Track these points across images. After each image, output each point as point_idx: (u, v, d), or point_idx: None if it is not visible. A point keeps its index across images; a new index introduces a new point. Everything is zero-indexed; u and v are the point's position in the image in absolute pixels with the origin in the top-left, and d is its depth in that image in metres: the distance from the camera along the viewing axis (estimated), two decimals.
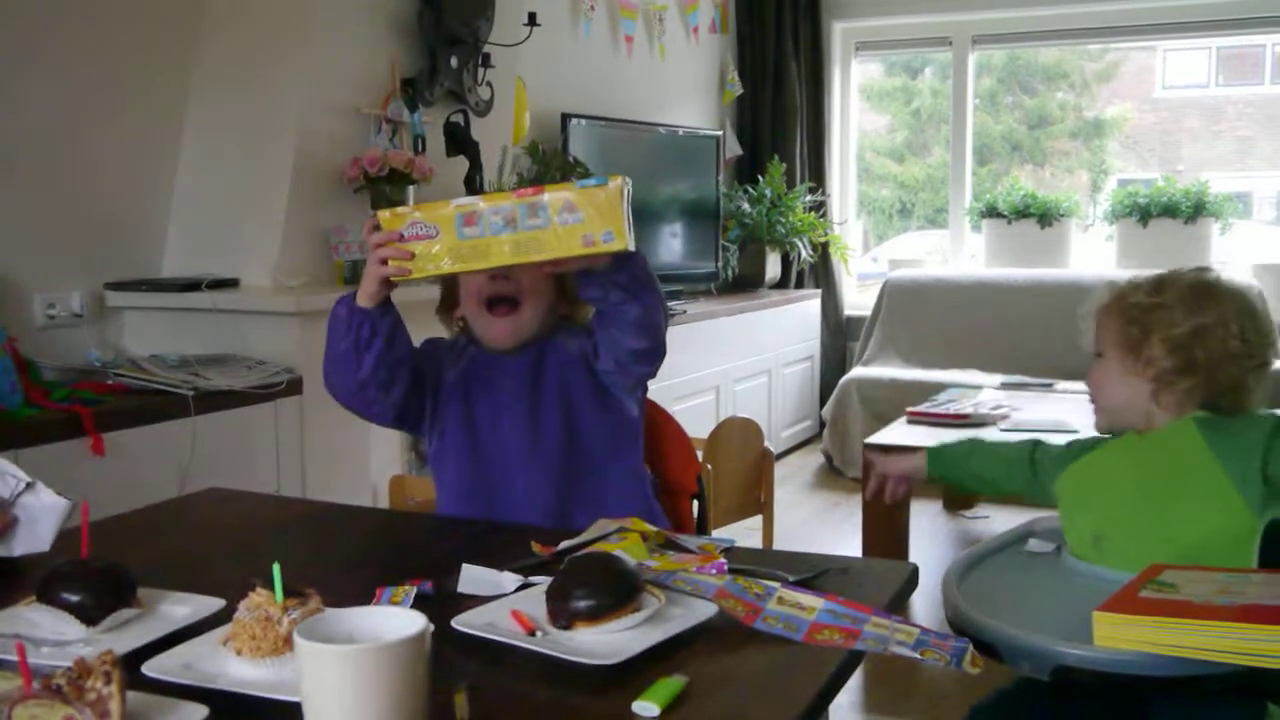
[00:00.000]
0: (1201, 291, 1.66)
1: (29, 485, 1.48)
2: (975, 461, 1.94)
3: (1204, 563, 1.49)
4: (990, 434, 3.77)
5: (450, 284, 1.85)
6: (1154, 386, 1.65)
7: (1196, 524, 1.57)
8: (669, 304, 1.81)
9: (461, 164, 3.61)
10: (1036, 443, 1.89)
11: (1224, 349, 1.62)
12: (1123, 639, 1.29)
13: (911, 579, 1.43)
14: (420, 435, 1.86)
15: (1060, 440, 1.87)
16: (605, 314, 1.68)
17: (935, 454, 1.96)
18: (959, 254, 6.22)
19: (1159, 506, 1.61)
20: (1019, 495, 1.88)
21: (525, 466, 1.76)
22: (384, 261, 1.54)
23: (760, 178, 5.94)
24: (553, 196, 1.48)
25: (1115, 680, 1.34)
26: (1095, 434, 1.80)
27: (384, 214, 1.55)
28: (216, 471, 2.55)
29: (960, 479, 2.00)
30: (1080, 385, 4.92)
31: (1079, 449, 1.80)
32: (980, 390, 4.42)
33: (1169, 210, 5.63)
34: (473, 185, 3.62)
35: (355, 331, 1.65)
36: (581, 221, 1.48)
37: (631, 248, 1.50)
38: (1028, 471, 1.86)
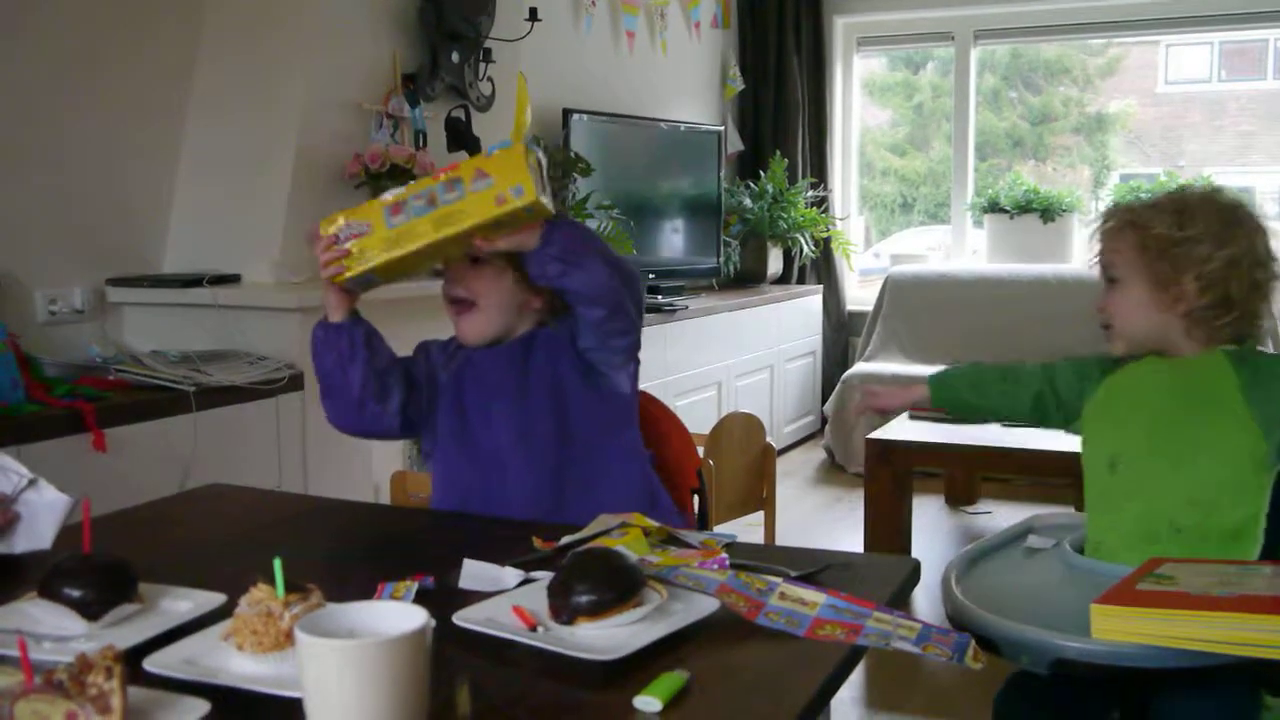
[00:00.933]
0: (1229, 218, 1.62)
1: (31, 482, 1.47)
2: (982, 388, 1.85)
3: (1210, 501, 1.49)
4: (993, 431, 3.77)
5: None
6: (1186, 322, 1.62)
7: (1212, 460, 1.57)
8: (640, 273, 1.79)
9: (462, 159, 3.60)
10: (1046, 365, 1.82)
11: (1252, 279, 1.60)
12: (1121, 631, 1.29)
13: (913, 574, 1.43)
14: (420, 433, 1.86)
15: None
16: (566, 294, 1.69)
17: (939, 383, 1.87)
18: (961, 249, 6.21)
19: (1179, 436, 1.60)
20: (1027, 419, 1.82)
21: (516, 452, 1.76)
22: (326, 267, 1.61)
23: (762, 173, 5.94)
24: (466, 167, 1.55)
25: (1114, 673, 1.34)
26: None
27: (322, 221, 1.63)
28: (218, 467, 2.55)
29: (966, 407, 1.88)
30: None
31: (1101, 368, 1.75)
32: None
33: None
34: None
35: (335, 349, 1.70)
36: (492, 185, 1.54)
37: (543, 202, 1.54)
38: (1045, 393, 1.78)
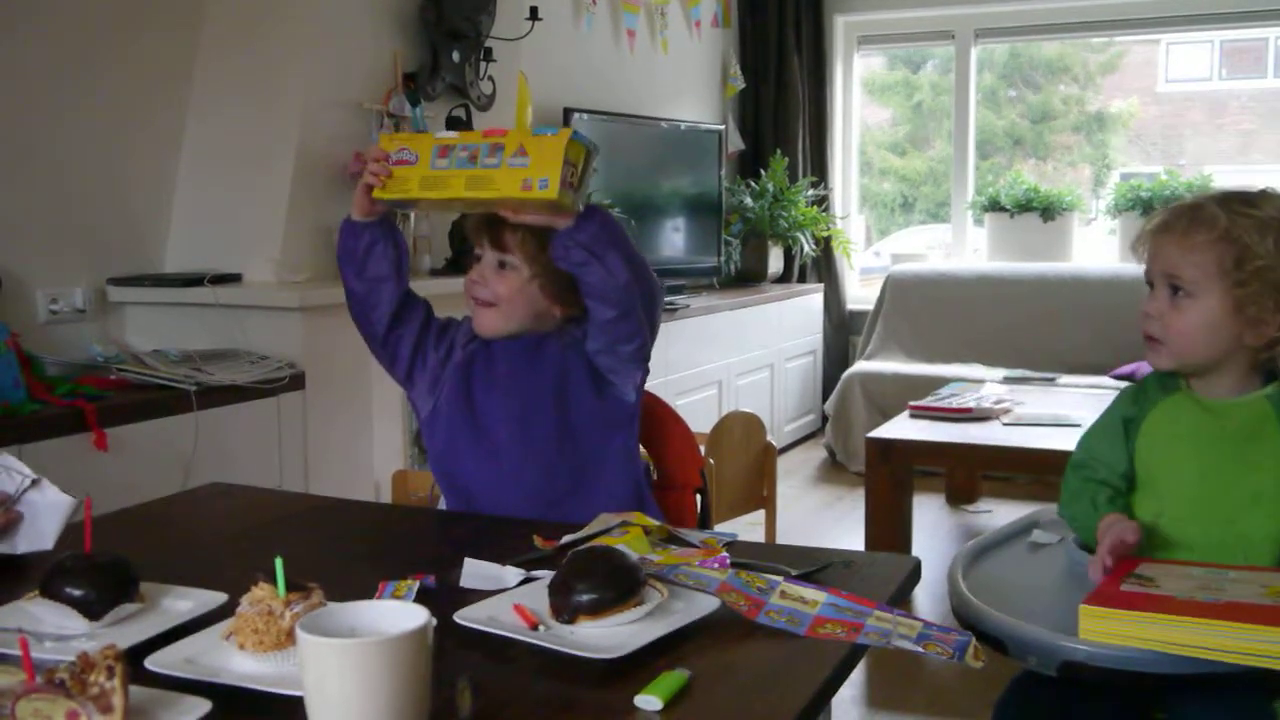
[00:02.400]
0: None
1: (34, 482, 1.47)
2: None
3: (1265, 555, 1.43)
4: (994, 430, 3.77)
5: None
6: (1252, 352, 1.51)
7: (1265, 515, 1.48)
8: (663, 286, 1.80)
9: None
10: (1077, 466, 1.65)
11: None
12: (1109, 634, 1.28)
13: (915, 573, 1.43)
14: (403, 379, 1.86)
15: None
16: (581, 285, 1.69)
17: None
18: (961, 248, 6.21)
19: (1228, 492, 1.51)
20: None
21: (514, 444, 1.76)
22: (369, 176, 1.66)
23: (762, 172, 5.94)
24: (513, 138, 1.57)
25: (1123, 678, 1.33)
26: (1119, 394, 1.67)
27: (384, 135, 1.71)
28: (219, 466, 2.55)
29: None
30: (1083, 379, 4.91)
31: (1125, 420, 1.61)
32: (983, 384, 4.42)
33: (1172, 204, 5.62)
34: None
35: (360, 236, 1.75)
36: (526, 166, 1.55)
37: (567, 200, 1.55)
38: (1109, 486, 1.60)
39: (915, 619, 1.23)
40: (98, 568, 1.22)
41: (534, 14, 3.98)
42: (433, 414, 1.83)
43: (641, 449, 1.99)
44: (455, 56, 3.64)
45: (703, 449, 3.11)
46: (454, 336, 1.85)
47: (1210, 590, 1.33)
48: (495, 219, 1.72)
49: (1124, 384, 4.75)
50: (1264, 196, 1.53)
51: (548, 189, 1.54)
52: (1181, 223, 1.54)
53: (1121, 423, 1.63)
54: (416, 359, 1.83)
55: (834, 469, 5.36)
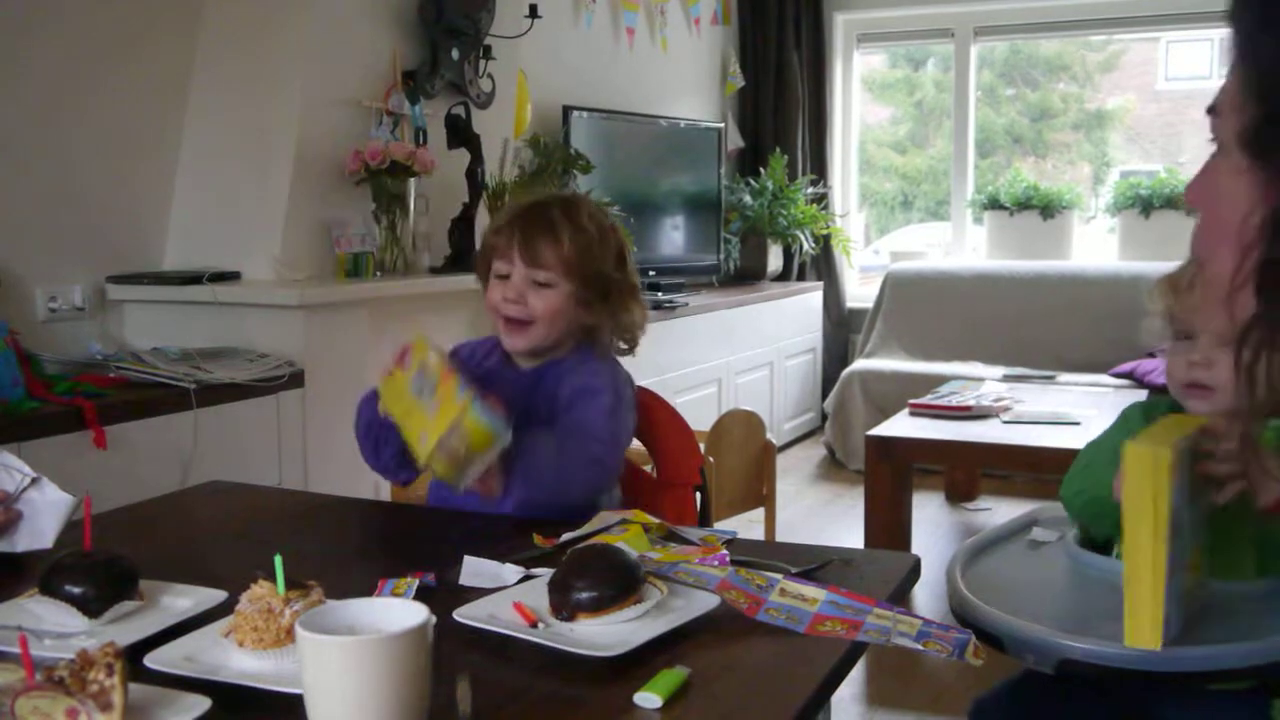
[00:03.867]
0: None
1: (34, 481, 1.47)
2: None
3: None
4: (993, 428, 3.77)
5: (485, 268, 1.85)
6: None
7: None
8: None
9: (463, 156, 3.61)
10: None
11: None
12: (1138, 471, 1.20)
13: (914, 570, 1.43)
14: None
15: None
16: None
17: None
18: (961, 246, 6.21)
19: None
20: None
21: (512, 472, 1.76)
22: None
23: (762, 170, 5.94)
24: (449, 391, 1.54)
25: (1120, 675, 1.33)
26: (1128, 409, 1.64)
27: (419, 337, 1.66)
28: (218, 464, 2.55)
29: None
30: (1082, 377, 4.90)
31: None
32: (982, 382, 4.43)
33: (1171, 202, 5.64)
34: (474, 178, 3.61)
35: (373, 430, 1.77)
36: (430, 415, 1.54)
37: (437, 467, 1.54)
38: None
39: (915, 617, 1.23)
40: (97, 565, 1.22)
41: (533, 12, 3.97)
42: None
43: (641, 446, 1.99)
44: (454, 54, 3.64)
45: (702, 447, 3.11)
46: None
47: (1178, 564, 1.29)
48: (530, 235, 1.72)
49: (1122, 381, 4.77)
50: None
51: (425, 444, 1.52)
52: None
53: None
54: None
55: (833, 467, 5.36)
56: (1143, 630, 1.22)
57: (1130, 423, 1.64)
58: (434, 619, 0.97)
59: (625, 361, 1.88)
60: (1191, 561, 1.29)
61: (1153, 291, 1.58)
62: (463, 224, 3.57)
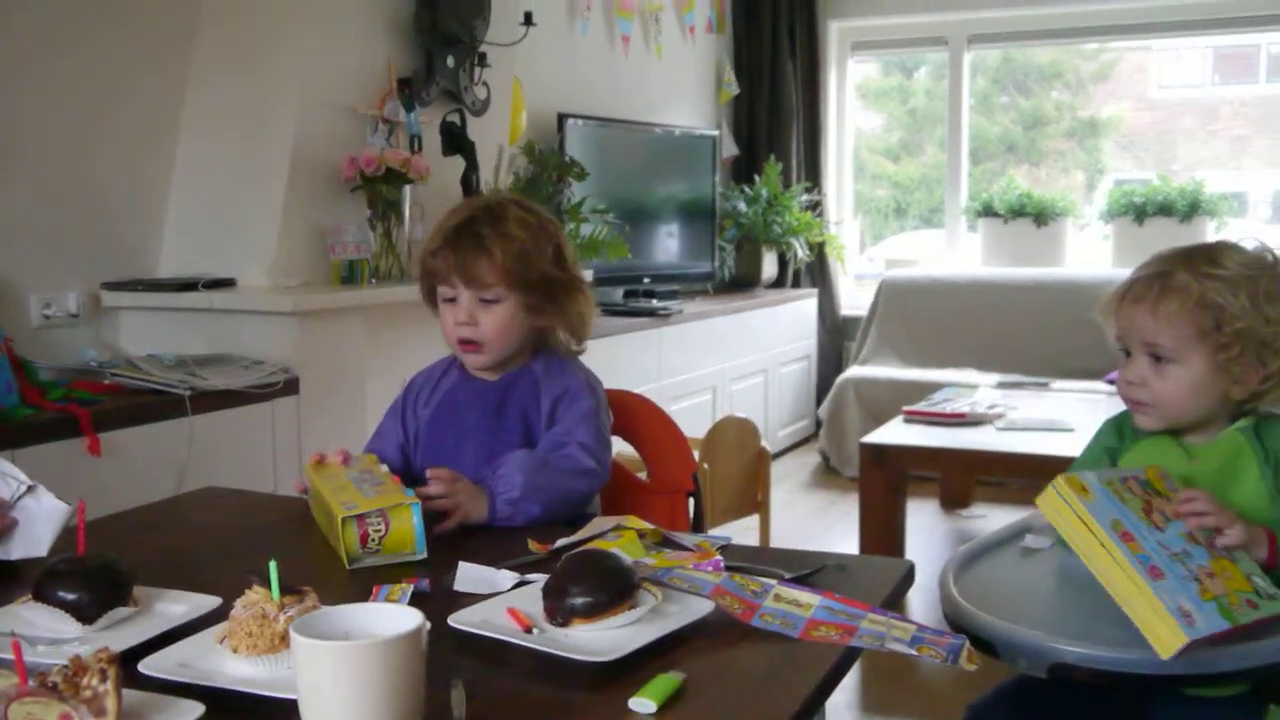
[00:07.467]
0: (1276, 290, 1.48)
1: (30, 488, 1.47)
2: None
3: (1257, 590, 1.37)
4: (987, 435, 3.78)
5: (429, 291, 1.85)
6: (1236, 404, 1.52)
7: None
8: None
9: (458, 164, 3.61)
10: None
11: None
12: (1055, 510, 1.32)
13: (908, 576, 1.43)
14: None
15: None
16: None
17: None
18: (955, 253, 6.22)
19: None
20: None
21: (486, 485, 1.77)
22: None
23: (756, 177, 5.95)
24: (390, 491, 1.53)
25: (1113, 679, 1.34)
26: (1101, 426, 1.68)
27: (370, 456, 1.71)
28: (213, 471, 2.55)
29: None
30: (1077, 384, 4.91)
31: (1109, 454, 1.64)
32: (976, 389, 4.43)
33: (1165, 209, 5.65)
34: (469, 185, 3.62)
35: None
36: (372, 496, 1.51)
37: (350, 548, 1.48)
38: None
39: (909, 622, 1.23)
40: (91, 571, 1.22)
41: (528, 19, 3.98)
42: (412, 466, 1.86)
43: (633, 452, 1.99)
44: (449, 62, 3.64)
45: (697, 454, 3.11)
46: (415, 403, 1.88)
47: (1175, 558, 1.31)
48: (464, 257, 1.73)
49: (1116, 389, 4.77)
50: (1223, 251, 1.52)
51: (350, 509, 1.46)
52: (1152, 292, 1.53)
53: (1105, 453, 1.66)
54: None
55: (828, 474, 5.36)
56: (1161, 635, 1.23)
57: (1102, 438, 1.69)
58: (428, 624, 0.97)
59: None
60: (1234, 585, 1.33)
61: (1095, 310, 1.62)
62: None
